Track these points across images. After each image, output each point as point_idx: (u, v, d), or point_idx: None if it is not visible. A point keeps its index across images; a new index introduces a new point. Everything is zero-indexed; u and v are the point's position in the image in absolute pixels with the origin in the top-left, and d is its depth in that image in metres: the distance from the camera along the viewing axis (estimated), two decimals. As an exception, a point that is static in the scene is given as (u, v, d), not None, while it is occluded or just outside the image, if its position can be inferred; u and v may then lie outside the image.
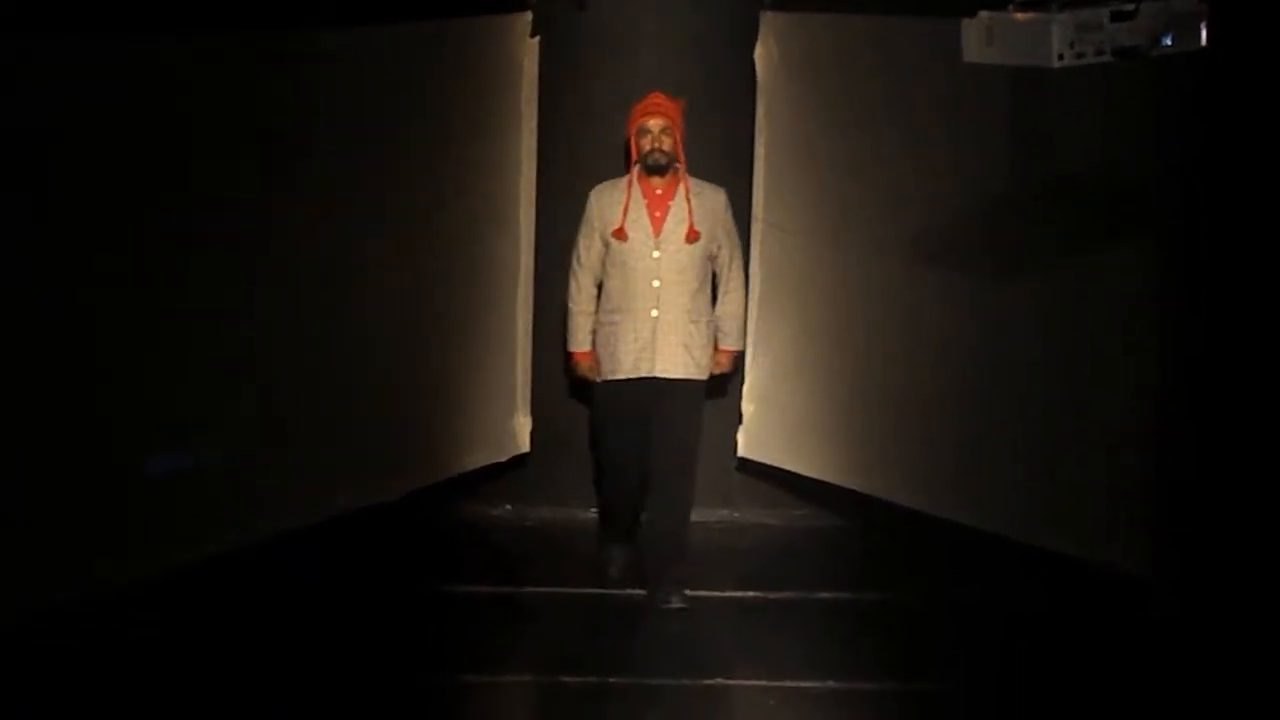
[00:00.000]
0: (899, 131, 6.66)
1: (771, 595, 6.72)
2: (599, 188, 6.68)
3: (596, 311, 6.66)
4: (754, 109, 7.18)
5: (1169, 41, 4.51)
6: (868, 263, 6.85)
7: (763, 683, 6.00)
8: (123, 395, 5.68)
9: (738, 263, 6.74)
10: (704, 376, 6.66)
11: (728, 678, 6.05)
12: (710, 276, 6.67)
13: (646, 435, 6.63)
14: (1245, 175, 5.62)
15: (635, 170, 6.61)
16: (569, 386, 7.16)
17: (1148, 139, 5.93)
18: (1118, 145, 6.03)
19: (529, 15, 7.07)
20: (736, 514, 7.48)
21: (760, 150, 7.20)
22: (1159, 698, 5.72)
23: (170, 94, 5.67)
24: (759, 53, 7.13)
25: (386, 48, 6.43)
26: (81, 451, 5.58)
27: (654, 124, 6.54)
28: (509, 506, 7.49)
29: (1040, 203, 6.26)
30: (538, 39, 7.09)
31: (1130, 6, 4.42)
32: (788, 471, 7.30)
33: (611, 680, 6.03)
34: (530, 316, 7.24)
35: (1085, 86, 5.57)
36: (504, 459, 7.28)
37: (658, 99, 6.57)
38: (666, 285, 6.55)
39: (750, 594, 6.73)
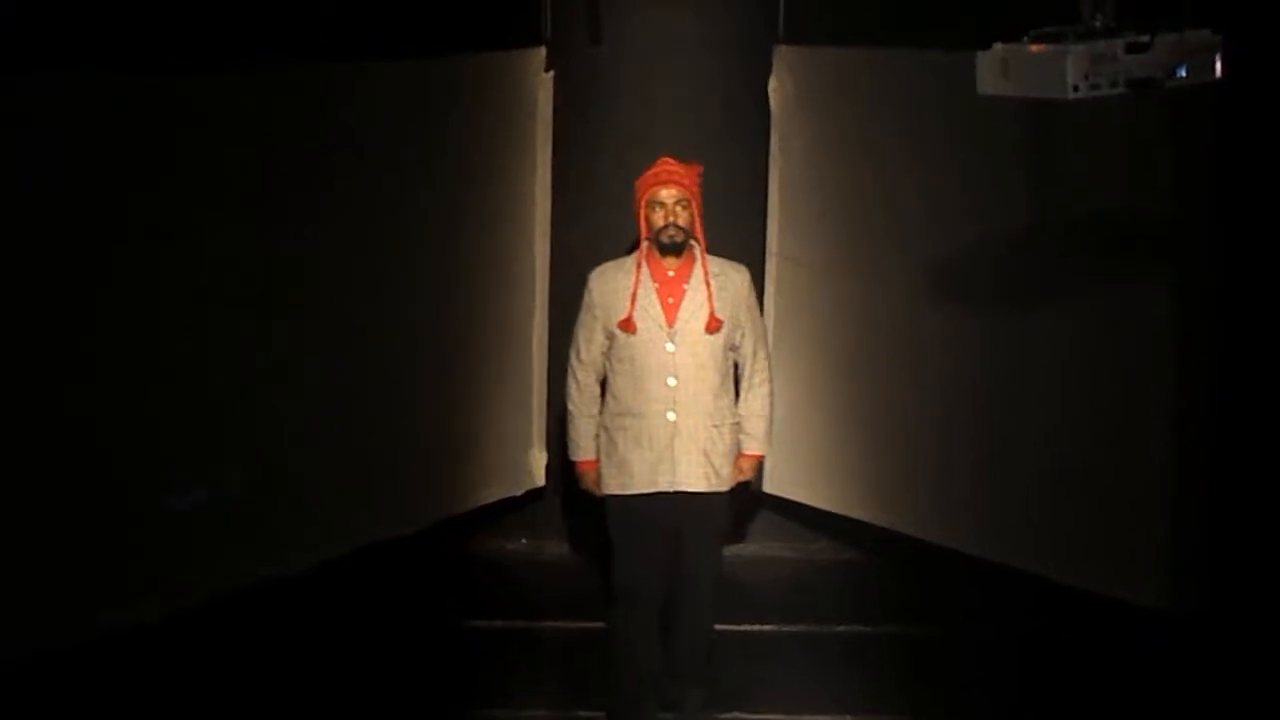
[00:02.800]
0: (914, 164, 6.67)
1: (789, 629, 6.70)
2: (600, 270, 5.82)
3: (601, 414, 5.82)
4: (768, 143, 7.20)
5: (1183, 73, 4.52)
6: (884, 296, 6.84)
7: (780, 716, 5.98)
8: (135, 431, 5.69)
9: (763, 352, 5.89)
10: (728, 488, 5.80)
11: (745, 711, 6.03)
12: (732, 370, 5.85)
13: (665, 557, 5.75)
14: (1261, 205, 5.62)
15: (644, 249, 5.74)
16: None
17: (1162, 170, 5.93)
18: (1132, 177, 6.03)
19: (543, 50, 7.08)
20: (754, 547, 7.47)
21: (774, 184, 7.20)
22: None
23: (182, 129, 5.70)
24: (773, 86, 7.14)
25: (400, 84, 6.44)
26: (90, 489, 5.59)
27: (667, 195, 5.67)
28: (525, 541, 7.49)
29: (1056, 235, 6.25)
30: (552, 74, 7.10)
31: (1145, 38, 4.43)
32: (805, 506, 7.29)
33: (628, 715, 6.01)
34: (546, 352, 7.24)
35: (1100, 118, 5.57)
36: (520, 493, 7.28)
37: (670, 166, 5.75)
38: (684, 383, 5.68)
39: (768, 628, 6.71)
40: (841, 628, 6.68)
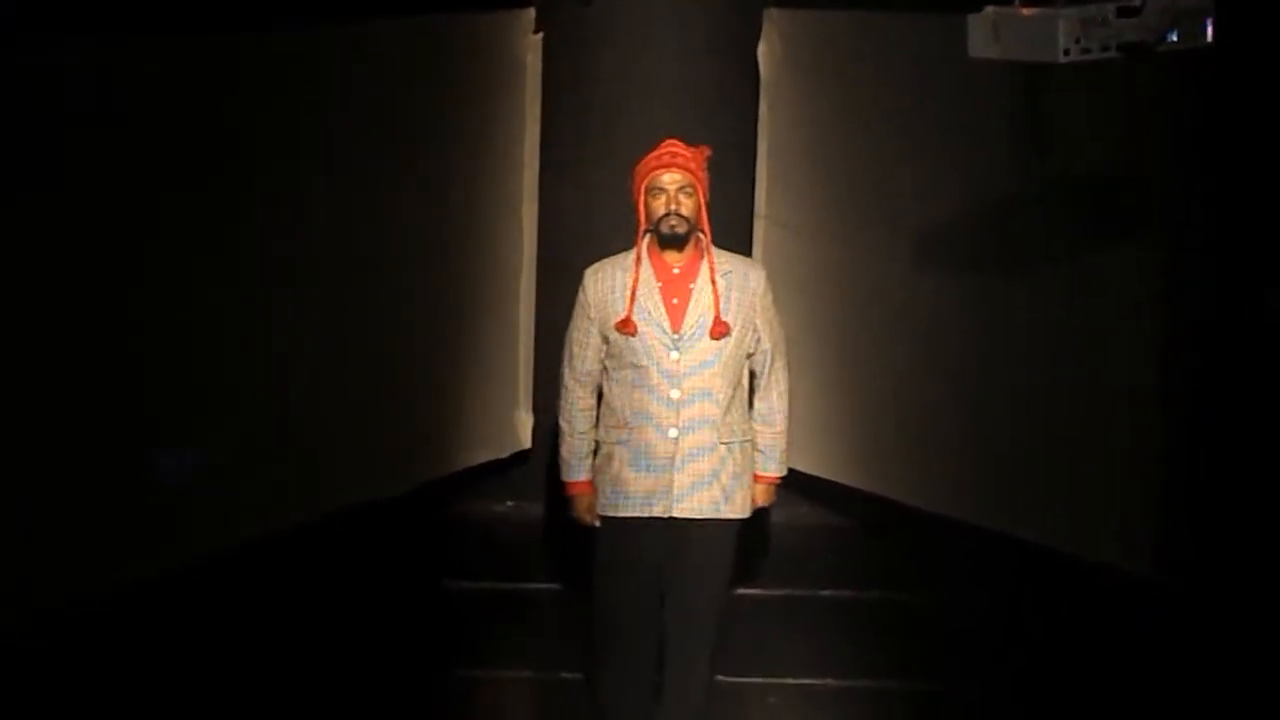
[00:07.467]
0: (903, 128, 6.65)
1: (773, 592, 6.72)
2: (596, 268, 5.29)
3: (596, 427, 5.33)
4: (757, 106, 7.17)
5: (1174, 37, 4.51)
6: (872, 260, 6.84)
7: (763, 680, 6.00)
8: (120, 393, 5.68)
9: (781, 360, 5.37)
10: (740, 515, 5.29)
11: (728, 675, 6.04)
12: (746, 380, 5.35)
13: (658, 596, 5.24)
14: (1252, 172, 5.61)
15: (645, 242, 5.24)
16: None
17: (1154, 136, 5.92)
18: (1121, 142, 6.02)
19: (532, 11, 7.04)
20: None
21: (763, 147, 7.18)
22: (1165, 699, 5.71)
23: (170, 93, 5.67)
24: (762, 49, 7.12)
25: (386, 44, 6.41)
26: (81, 449, 5.57)
27: (669, 180, 5.16)
28: (511, 503, 7.49)
29: (1046, 201, 6.25)
30: (541, 35, 7.07)
31: (1136, 2, 4.42)
32: (790, 469, 7.27)
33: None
34: (533, 315, 7.22)
35: (1091, 83, 5.57)
36: (506, 455, 7.27)
37: (674, 147, 5.26)
38: (690, 395, 5.17)
39: (752, 591, 6.72)
40: (826, 592, 6.70)
